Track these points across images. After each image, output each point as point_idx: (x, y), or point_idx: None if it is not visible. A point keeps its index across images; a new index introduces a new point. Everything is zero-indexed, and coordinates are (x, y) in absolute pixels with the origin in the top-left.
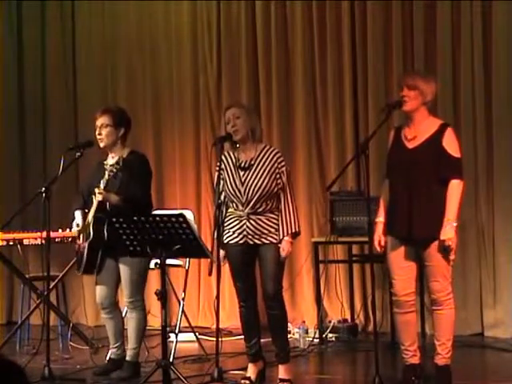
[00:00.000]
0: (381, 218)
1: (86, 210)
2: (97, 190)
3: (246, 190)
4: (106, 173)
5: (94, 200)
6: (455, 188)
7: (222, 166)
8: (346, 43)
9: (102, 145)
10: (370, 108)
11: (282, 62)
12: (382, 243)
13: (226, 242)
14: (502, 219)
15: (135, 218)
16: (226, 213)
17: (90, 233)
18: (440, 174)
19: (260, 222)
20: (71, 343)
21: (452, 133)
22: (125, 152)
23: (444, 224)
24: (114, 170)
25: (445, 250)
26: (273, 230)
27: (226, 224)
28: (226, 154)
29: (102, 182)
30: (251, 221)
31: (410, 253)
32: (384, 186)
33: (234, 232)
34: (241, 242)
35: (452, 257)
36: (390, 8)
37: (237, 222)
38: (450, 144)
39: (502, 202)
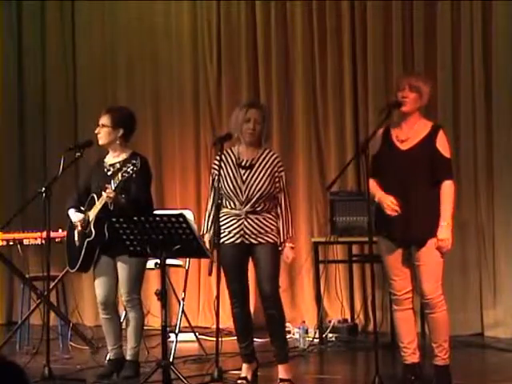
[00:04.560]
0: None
1: (82, 208)
2: (107, 190)
3: (246, 188)
4: (120, 174)
5: (95, 199)
6: (448, 188)
7: (222, 164)
8: (346, 43)
9: (100, 142)
10: (369, 108)
11: (282, 62)
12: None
13: (221, 242)
14: (502, 219)
15: (135, 218)
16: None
17: (91, 231)
18: (434, 174)
19: (258, 222)
20: (71, 343)
21: (444, 134)
22: (127, 153)
23: (440, 224)
24: (130, 172)
25: (440, 250)
26: (269, 229)
27: (221, 224)
28: (225, 152)
29: (113, 182)
30: (249, 220)
31: (404, 253)
32: (372, 185)
33: (229, 232)
34: (237, 241)
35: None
36: (389, 8)
37: (234, 221)
38: (443, 145)
39: (502, 202)
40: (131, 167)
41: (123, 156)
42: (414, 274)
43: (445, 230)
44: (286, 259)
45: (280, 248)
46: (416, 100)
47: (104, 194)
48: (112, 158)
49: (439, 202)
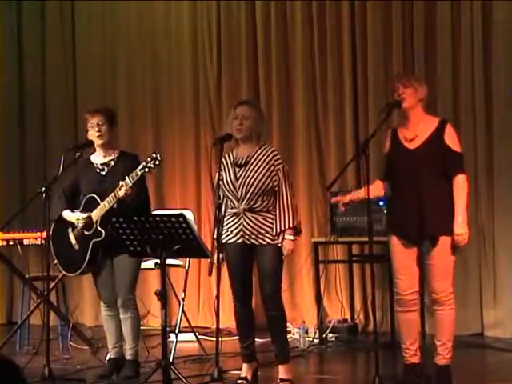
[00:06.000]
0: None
1: (76, 211)
2: (124, 188)
3: (240, 185)
4: (139, 170)
5: (97, 199)
6: (462, 183)
7: (222, 166)
8: (346, 43)
9: (100, 142)
10: (370, 108)
11: (282, 62)
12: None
13: (224, 241)
14: (502, 219)
15: (135, 218)
16: (225, 213)
17: (99, 231)
18: (445, 170)
19: (257, 222)
20: (71, 343)
21: (452, 128)
22: (116, 152)
23: (456, 220)
24: (152, 166)
25: (455, 246)
26: (270, 230)
27: (224, 224)
28: (226, 155)
29: (128, 178)
30: (248, 220)
31: (417, 252)
32: (375, 185)
33: (231, 232)
34: (238, 241)
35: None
36: (389, 8)
37: (235, 220)
38: (452, 140)
39: (502, 202)
40: (153, 161)
41: (114, 154)
42: (423, 275)
43: (461, 225)
44: (283, 250)
45: (277, 241)
46: (413, 94)
47: (121, 191)
48: (102, 158)
49: (452, 198)
